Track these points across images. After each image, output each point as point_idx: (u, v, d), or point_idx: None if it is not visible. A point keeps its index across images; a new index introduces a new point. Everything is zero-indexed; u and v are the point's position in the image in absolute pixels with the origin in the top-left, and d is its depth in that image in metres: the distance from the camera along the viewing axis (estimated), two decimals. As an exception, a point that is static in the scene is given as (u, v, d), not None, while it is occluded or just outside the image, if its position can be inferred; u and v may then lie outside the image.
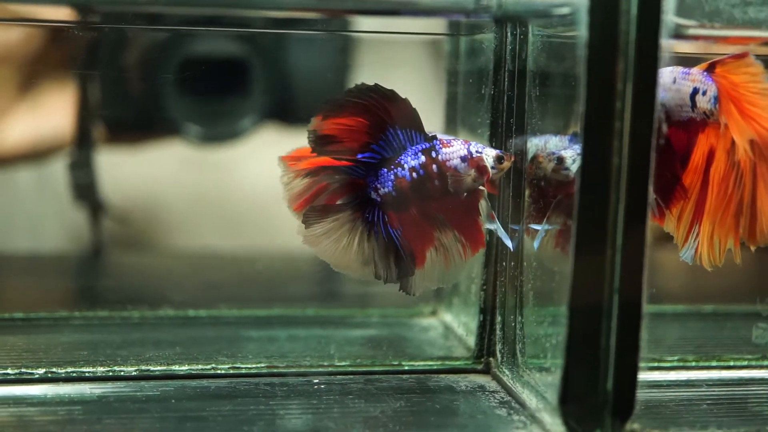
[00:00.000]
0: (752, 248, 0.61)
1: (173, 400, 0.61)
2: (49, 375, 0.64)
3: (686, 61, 0.60)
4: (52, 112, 0.92)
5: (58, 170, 0.96)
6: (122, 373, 0.65)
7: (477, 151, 0.62)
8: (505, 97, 0.67)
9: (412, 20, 0.77)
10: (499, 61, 0.67)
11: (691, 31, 0.59)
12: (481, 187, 0.62)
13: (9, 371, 0.64)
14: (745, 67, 0.58)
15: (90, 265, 0.99)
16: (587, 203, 0.55)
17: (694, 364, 0.71)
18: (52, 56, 0.91)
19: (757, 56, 0.59)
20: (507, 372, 0.67)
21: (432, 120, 0.70)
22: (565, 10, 0.58)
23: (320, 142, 0.61)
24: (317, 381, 0.66)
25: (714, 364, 0.71)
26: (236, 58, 0.90)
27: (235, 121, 0.93)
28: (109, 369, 0.65)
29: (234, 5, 0.71)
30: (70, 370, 0.64)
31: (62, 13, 0.78)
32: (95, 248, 0.97)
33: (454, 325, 0.77)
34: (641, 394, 0.62)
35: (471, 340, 0.71)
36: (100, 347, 0.70)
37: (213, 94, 0.92)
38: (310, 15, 0.75)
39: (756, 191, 0.59)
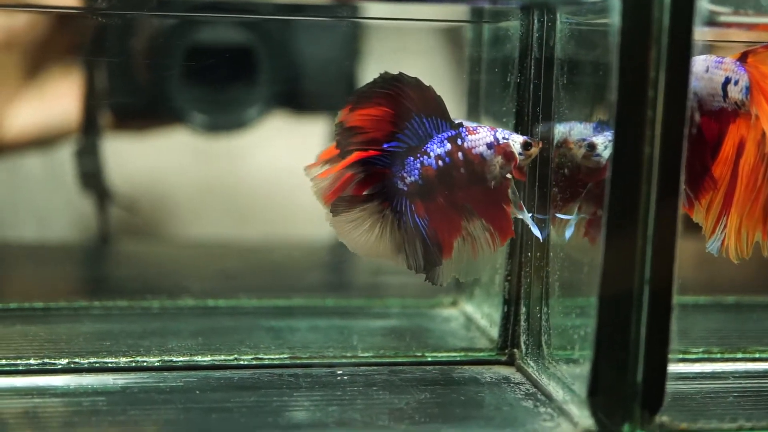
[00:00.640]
0: None
1: (197, 391, 0.61)
2: (72, 365, 0.63)
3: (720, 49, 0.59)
4: (59, 99, 0.91)
5: (67, 158, 0.96)
6: (145, 364, 0.64)
7: (504, 138, 0.61)
8: (532, 86, 0.66)
9: (431, 6, 0.76)
10: (525, 49, 0.66)
11: (724, 18, 0.59)
12: (508, 176, 0.62)
13: (32, 361, 0.63)
14: None
15: (101, 255, 0.99)
16: (618, 193, 0.54)
17: (719, 356, 0.70)
18: (58, 43, 0.91)
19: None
20: (532, 364, 0.66)
21: (453, 109, 0.69)
22: (596, -2, 0.57)
23: (347, 134, 0.61)
24: (341, 372, 0.65)
25: (739, 356, 0.70)
26: (243, 46, 0.90)
27: (240, 111, 0.92)
28: (131, 359, 0.65)
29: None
30: (92, 360, 0.64)
31: (69, 0, 0.77)
32: (102, 236, 0.97)
33: (476, 316, 0.77)
34: (667, 387, 0.62)
35: (494, 332, 0.71)
36: (122, 337, 0.69)
37: (219, 82, 0.91)
38: (321, 1, 0.74)
39: None
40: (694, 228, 0.64)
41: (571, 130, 0.63)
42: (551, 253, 0.64)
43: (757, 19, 0.58)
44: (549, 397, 0.62)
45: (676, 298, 0.71)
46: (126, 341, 0.68)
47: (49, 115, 0.92)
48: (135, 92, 0.92)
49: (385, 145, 0.61)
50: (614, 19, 0.53)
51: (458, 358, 0.69)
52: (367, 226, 0.62)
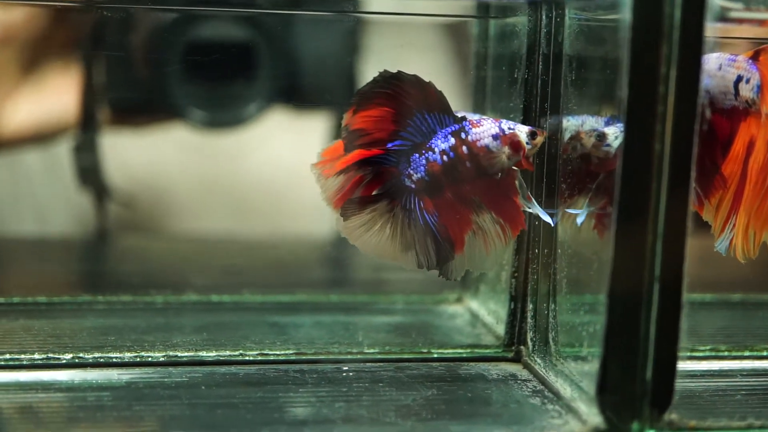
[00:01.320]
0: None
1: (203, 387, 0.61)
2: (77, 360, 0.63)
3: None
4: (56, 95, 0.91)
5: (66, 154, 0.95)
6: (150, 359, 0.64)
7: (509, 128, 0.61)
8: (539, 82, 0.65)
9: (435, 1, 0.75)
10: (533, 45, 0.66)
11: (735, 14, 0.58)
12: (514, 167, 0.62)
13: (36, 356, 0.63)
14: None
15: (103, 250, 0.98)
16: (628, 189, 0.54)
17: (726, 353, 0.70)
18: (56, 37, 0.90)
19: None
20: (539, 361, 0.66)
21: (459, 106, 0.69)
22: (606, -7, 0.57)
23: (352, 137, 0.60)
24: (347, 368, 0.65)
25: (747, 354, 0.70)
26: (242, 41, 0.89)
27: (239, 107, 0.92)
28: (136, 355, 0.64)
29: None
30: (97, 355, 0.64)
31: None
32: (104, 231, 0.96)
33: (481, 313, 0.76)
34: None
35: (500, 328, 0.70)
36: (126, 332, 0.69)
37: (218, 79, 0.91)
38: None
39: None
40: (699, 226, 0.63)
41: (583, 124, 0.62)
42: (559, 250, 0.64)
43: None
44: (557, 394, 0.62)
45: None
46: (130, 336, 0.68)
47: (47, 110, 0.91)
48: (133, 88, 0.91)
49: (389, 145, 0.61)
50: (625, 14, 0.53)
51: (464, 355, 0.68)
52: (377, 227, 0.61)
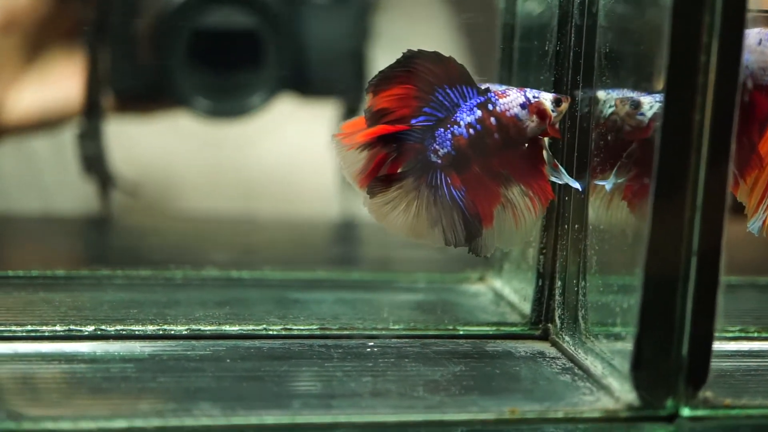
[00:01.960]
0: None
1: (228, 360, 0.60)
2: (99, 332, 0.62)
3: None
4: (61, 82, 0.90)
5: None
6: (173, 332, 0.63)
7: (534, 97, 0.60)
8: (572, 54, 0.64)
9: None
10: (565, 16, 0.64)
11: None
12: (540, 136, 0.61)
13: (57, 328, 0.62)
14: None
15: (118, 226, 0.98)
16: (666, 161, 0.53)
17: (756, 334, 0.69)
18: (60, 23, 0.89)
19: None
20: (568, 339, 0.65)
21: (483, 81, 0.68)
22: (647, -40, 0.56)
23: (375, 117, 0.60)
24: (372, 344, 0.64)
25: (776, 335, 0.69)
26: (249, 29, 0.88)
27: (243, 96, 0.90)
28: (159, 328, 0.63)
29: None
30: (119, 327, 0.63)
31: None
32: (117, 211, 0.96)
33: (505, 291, 0.75)
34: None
35: (525, 307, 0.69)
36: (147, 306, 0.68)
37: (223, 67, 0.89)
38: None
39: None
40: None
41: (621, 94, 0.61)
42: (590, 226, 0.63)
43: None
44: (587, 371, 0.60)
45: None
46: (152, 310, 0.67)
47: (52, 97, 0.90)
48: (138, 75, 0.90)
49: (413, 121, 0.60)
50: (667, -19, 0.52)
51: (491, 332, 0.67)
52: (404, 205, 0.60)
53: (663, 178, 0.53)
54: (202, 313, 0.66)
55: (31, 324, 0.62)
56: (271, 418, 0.52)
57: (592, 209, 0.63)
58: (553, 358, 0.63)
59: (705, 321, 0.54)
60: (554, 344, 0.66)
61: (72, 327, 0.62)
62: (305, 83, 0.94)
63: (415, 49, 0.59)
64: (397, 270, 0.81)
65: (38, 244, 0.88)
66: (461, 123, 0.60)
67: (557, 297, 0.67)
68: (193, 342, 0.63)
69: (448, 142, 0.60)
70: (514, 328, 0.68)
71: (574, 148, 0.64)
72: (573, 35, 0.64)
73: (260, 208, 1.04)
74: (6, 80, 0.88)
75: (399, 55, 0.59)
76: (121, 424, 0.50)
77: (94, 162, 0.92)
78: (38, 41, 0.89)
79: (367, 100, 0.60)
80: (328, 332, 0.65)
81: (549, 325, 0.67)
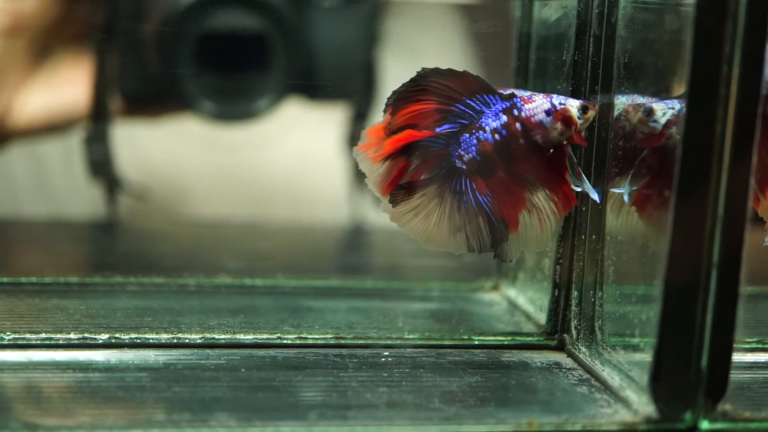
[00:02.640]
0: None
1: (243, 369, 0.59)
2: (113, 341, 0.62)
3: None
4: (68, 85, 0.90)
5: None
6: (187, 341, 0.63)
7: (560, 103, 0.60)
8: (590, 64, 0.64)
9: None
10: (583, 26, 0.64)
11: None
12: (565, 142, 0.60)
13: (72, 335, 0.62)
14: None
15: (131, 233, 0.98)
16: (687, 173, 0.52)
17: (774, 346, 0.69)
18: (67, 27, 0.89)
19: None
20: (584, 349, 0.64)
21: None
22: (668, -30, 0.55)
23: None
24: (387, 353, 0.64)
25: (794, 346, 0.69)
26: (256, 32, 0.87)
27: (250, 100, 0.90)
28: (173, 336, 0.63)
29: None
30: (133, 336, 0.62)
31: None
32: (128, 217, 0.95)
33: (519, 301, 0.75)
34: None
35: (540, 317, 0.69)
36: (161, 314, 0.68)
37: (230, 70, 0.89)
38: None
39: None
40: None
41: (630, 101, 0.61)
42: (607, 237, 0.62)
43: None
44: (604, 383, 0.60)
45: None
46: (166, 318, 0.67)
47: (59, 101, 0.90)
48: (145, 78, 0.90)
49: (437, 129, 0.60)
50: (690, -9, 0.52)
51: (506, 342, 0.67)
52: (426, 212, 0.60)
53: (684, 189, 0.53)
54: (216, 321, 0.66)
55: (45, 332, 0.62)
56: (287, 429, 0.52)
57: (609, 219, 0.63)
58: (569, 369, 0.63)
59: (725, 332, 0.54)
60: (570, 355, 0.65)
61: (86, 335, 0.62)
62: (314, 87, 0.94)
63: (428, 67, 0.59)
64: (410, 278, 0.81)
65: (47, 249, 0.88)
66: (487, 128, 0.60)
67: (573, 307, 0.66)
68: (208, 351, 0.62)
69: (473, 147, 0.60)
70: (529, 338, 0.68)
71: (591, 158, 0.64)
72: (591, 45, 0.64)
73: (269, 214, 1.04)
74: (13, 84, 0.88)
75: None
76: (137, 434, 0.50)
77: (101, 166, 0.92)
78: (46, 45, 0.89)
79: (385, 120, 0.60)
80: (342, 341, 0.65)
81: (565, 335, 0.67)
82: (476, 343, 0.67)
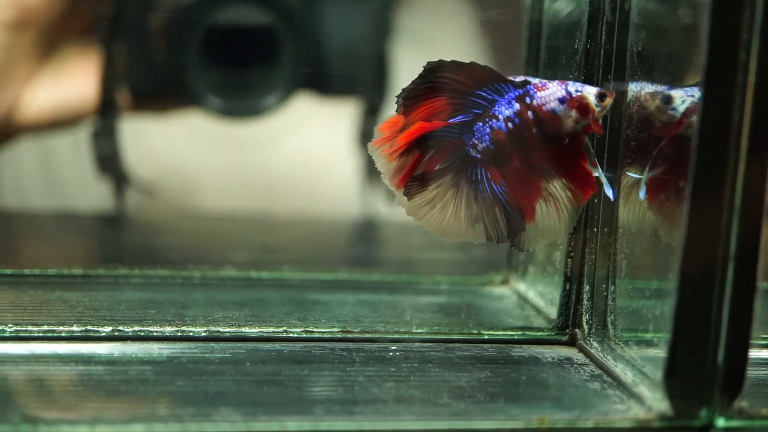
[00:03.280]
0: None
1: (247, 363, 0.58)
2: (116, 333, 0.61)
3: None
4: (75, 80, 0.89)
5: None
6: (191, 334, 0.62)
7: (576, 91, 0.58)
8: (602, 52, 0.62)
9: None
10: (595, 13, 0.63)
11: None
12: (583, 131, 0.59)
13: (75, 328, 0.61)
14: None
15: (136, 225, 0.97)
16: (704, 162, 0.51)
17: (789, 342, 0.67)
18: (74, 21, 0.88)
19: None
20: (596, 344, 0.63)
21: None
22: (684, -45, 0.54)
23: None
24: (394, 348, 0.63)
25: (810, 343, 0.67)
26: (265, 26, 0.86)
27: (260, 96, 0.89)
28: (177, 329, 0.62)
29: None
30: (137, 328, 0.61)
31: None
32: (134, 209, 0.95)
33: (529, 295, 0.74)
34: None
35: (551, 311, 0.68)
36: (165, 306, 0.67)
37: (238, 65, 0.88)
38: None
39: None
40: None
41: (643, 89, 0.60)
42: (620, 229, 0.61)
43: None
44: (617, 379, 0.59)
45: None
46: (170, 311, 0.66)
47: (66, 96, 0.89)
48: (153, 73, 0.89)
49: (450, 120, 0.59)
50: (706, -24, 0.50)
51: (516, 337, 0.66)
52: (443, 203, 0.59)
53: (700, 179, 0.51)
54: (221, 314, 0.65)
55: (48, 324, 0.61)
56: (292, 424, 0.51)
57: (622, 211, 0.61)
58: (581, 364, 0.62)
59: (742, 328, 0.52)
60: (582, 350, 0.64)
61: (89, 327, 0.61)
62: (324, 81, 0.92)
63: (434, 60, 0.58)
64: (418, 272, 0.80)
65: (54, 242, 0.87)
66: (500, 117, 0.59)
67: (585, 302, 0.65)
68: (212, 344, 0.61)
69: (486, 136, 0.59)
70: (540, 333, 0.66)
71: (603, 148, 0.62)
72: (604, 33, 0.62)
73: (279, 207, 1.03)
74: (20, 78, 0.87)
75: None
76: (139, 428, 0.49)
77: (108, 161, 0.91)
78: (53, 39, 0.88)
79: (398, 116, 0.59)
80: (349, 335, 0.64)
81: (576, 330, 0.65)
82: (486, 337, 0.65)
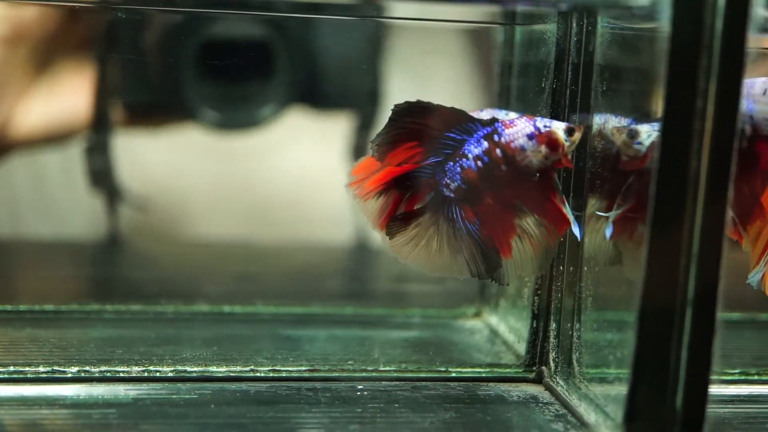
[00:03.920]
0: None
1: (212, 405, 0.58)
2: (83, 374, 0.61)
3: None
4: (69, 95, 0.89)
5: (78, 155, 0.93)
6: (158, 374, 0.62)
7: (545, 126, 0.59)
8: (568, 92, 0.63)
9: (459, 7, 0.73)
10: (562, 54, 0.63)
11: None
12: (552, 166, 0.60)
13: (41, 368, 0.61)
14: None
15: (113, 255, 0.96)
16: (662, 207, 0.51)
17: (756, 377, 0.67)
18: (69, 37, 0.88)
19: None
20: (562, 383, 0.63)
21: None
22: (643, 2, 0.54)
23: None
24: (361, 387, 0.63)
25: (778, 378, 0.67)
26: (259, 41, 0.87)
27: (252, 109, 0.89)
28: (144, 369, 0.62)
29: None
30: (104, 369, 0.61)
31: None
32: (114, 236, 0.94)
33: (500, 329, 0.74)
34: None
35: (520, 347, 0.68)
36: (134, 344, 0.67)
37: (232, 79, 0.88)
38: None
39: None
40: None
41: (606, 123, 0.60)
42: (585, 267, 0.61)
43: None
44: (580, 419, 0.59)
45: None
46: (139, 349, 0.66)
47: (60, 111, 0.89)
48: (146, 88, 0.89)
49: (424, 163, 0.60)
50: (663, 24, 0.50)
51: (483, 375, 0.66)
52: (425, 241, 0.60)
53: (658, 223, 0.52)
54: (189, 352, 0.65)
55: (14, 365, 0.61)
56: (253, 469, 0.51)
57: (588, 249, 0.62)
58: (546, 403, 0.62)
59: (700, 370, 0.52)
60: (548, 388, 0.64)
61: (56, 368, 0.61)
62: (317, 96, 0.93)
63: (401, 102, 0.59)
64: (392, 305, 0.80)
65: (29, 275, 0.87)
66: (469, 156, 0.59)
67: (552, 339, 0.65)
68: (179, 384, 0.61)
69: (458, 175, 0.59)
70: (507, 371, 0.66)
71: (570, 186, 0.63)
72: (570, 73, 0.63)
73: (263, 233, 1.02)
74: (14, 93, 0.87)
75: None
76: (98, 476, 0.49)
77: (101, 177, 0.91)
78: (47, 55, 0.88)
79: (373, 160, 0.60)
80: (317, 374, 0.64)
81: (543, 367, 0.65)
82: (453, 375, 0.65)
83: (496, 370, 0.67)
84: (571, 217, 0.60)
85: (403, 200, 0.60)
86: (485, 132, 0.59)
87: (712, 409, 0.61)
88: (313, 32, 0.91)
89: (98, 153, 0.90)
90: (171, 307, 0.75)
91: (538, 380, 0.65)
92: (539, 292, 0.66)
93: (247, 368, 0.63)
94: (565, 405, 0.61)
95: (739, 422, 0.61)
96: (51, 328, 0.69)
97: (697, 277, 0.52)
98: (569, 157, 0.60)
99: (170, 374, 0.62)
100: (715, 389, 0.65)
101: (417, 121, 0.59)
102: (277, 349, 0.68)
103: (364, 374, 0.64)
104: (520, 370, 0.66)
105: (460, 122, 0.59)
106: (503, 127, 0.59)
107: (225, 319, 0.75)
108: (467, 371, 0.66)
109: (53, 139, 0.90)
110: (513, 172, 0.59)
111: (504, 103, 0.74)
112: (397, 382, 0.64)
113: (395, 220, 0.60)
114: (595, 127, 0.61)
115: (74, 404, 0.58)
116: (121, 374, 0.61)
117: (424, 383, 0.64)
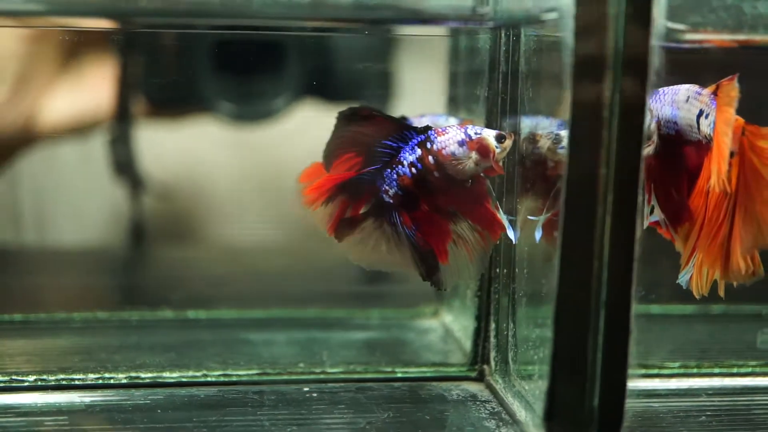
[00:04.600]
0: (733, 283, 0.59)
1: (159, 410, 0.61)
2: (39, 383, 0.64)
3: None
4: (93, 88, 0.92)
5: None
6: (112, 381, 0.65)
7: (476, 133, 0.61)
8: (500, 99, 0.65)
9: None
10: (493, 63, 0.65)
11: (687, 36, 0.57)
12: (484, 173, 0.62)
13: (0, 378, 0.64)
14: (728, 92, 0.55)
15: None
16: (573, 214, 0.53)
17: (695, 371, 0.69)
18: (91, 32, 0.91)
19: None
20: (500, 380, 0.65)
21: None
22: (552, 15, 0.56)
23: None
24: (308, 389, 0.65)
25: (716, 371, 0.69)
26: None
27: (268, 101, 0.91)
28: (99, 376, 0.65)
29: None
30: (60, 377, 0.64)
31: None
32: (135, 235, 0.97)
33: (454, 328, 0.76)
34: (638, 405, 0.61)
35: (468, 346, 0.70)
36: (95, 352, 0.70)
37: (247, 72, 0.91)
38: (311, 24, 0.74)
39: (734, 225, 0.57)
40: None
41: (537, 125, 0.62)
42: (516, 269, 0.64)
43: (717, 36, 0.57)
44: (513, 417, 0.61)
45: (661, 308, 0.70)
46: (98, 356, 0.69)
47: (84, 103, 0.92)
48: (168, 83, 0.92)
49: (364, 170, 0.62)
50: (567, 38, 0.52)
51: (429, 374, 0.68)
52: (373, 243, 0.62)
53: (569, 231, 0.54)
54: (144, 359, 0.68)
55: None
56: (189, 472, 0.54)
57: (519, 250, 0.64)
58: (484, 401, 0.64)
59: (617, 371, 0.54)
60: (488, 386, 0.66)
61: (14, 377, 0.64)
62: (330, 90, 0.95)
63: (345, 108, 0.61)
64: (351, 306, 0.82)
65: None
66: (405, 162, 0.61)
67: (492, 338, 0.67)
68: (133, 390, 0.64)
69: (394, 182, 0.62)
70: (452, 369, 0.69)
71: (503, 191, 0.65)
72: (500, 81, 0.65)
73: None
74: (39, 87, 0.90)
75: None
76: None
77: (125, 167, 0.94)
78: (70, 48, 0.91)
79: (318, 167, 0.62)
80: (266, 377, 0.67)
81: (485, 366, 0.68)
82: (399, 375, 0.68)
83: (441, 369, 0.69)
84: (505, 222, 0.62)
85: (349, 206, 0.62)
86: (419, 139, 0.61)
87: (647, 404, 0.64)
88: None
89: (121, 144, 0.93)
90: (136, 314, 0.78)
91: (480, 379, 0.68)
92: (479, 293, 0.68)
93: (199, 373, 0.66)
94: (501, 402, 0.63)
95: (672, 417, 0.63)
96: (18, 339, 0.72)
97: (609, 282, 0.54)
98: (500, 163, 0.62)
99: (124, 381, 0.65)
100: (654, 384, 0.68)
101: (356, 129, 0.61)
102: (232, 354, 0.70)
103: (312, 376, 0.67)
104: (464, 369, 0.69)
105: (397, 130, 0.62)
106: (435, 135, 0.61)
107: (191, 325, 0.78)
108: (413, 371, 0.68)
109: (79, 130, 0.93)
110: (446, 178, 0.61)
111: (454, 111, 0.76)
112: (343, 384, 0.67)
113: (342, 224, 0.62)
114: (523, 133, 0.63)
115: (29, 412, 0.60)
116: (77, 382, 0.64)
117: (369, 384, 0.67)
